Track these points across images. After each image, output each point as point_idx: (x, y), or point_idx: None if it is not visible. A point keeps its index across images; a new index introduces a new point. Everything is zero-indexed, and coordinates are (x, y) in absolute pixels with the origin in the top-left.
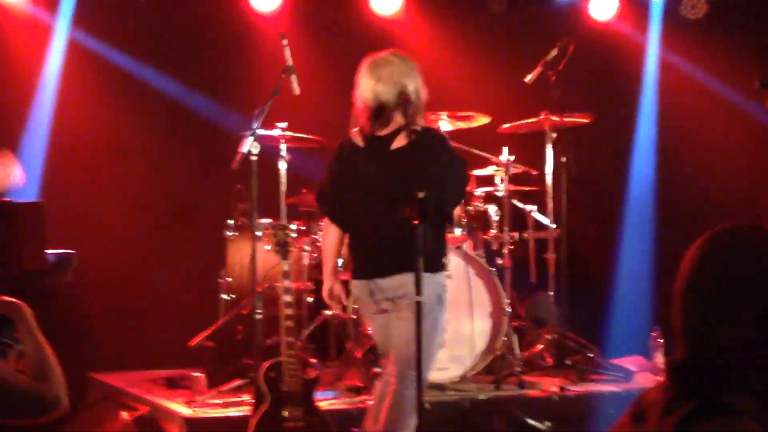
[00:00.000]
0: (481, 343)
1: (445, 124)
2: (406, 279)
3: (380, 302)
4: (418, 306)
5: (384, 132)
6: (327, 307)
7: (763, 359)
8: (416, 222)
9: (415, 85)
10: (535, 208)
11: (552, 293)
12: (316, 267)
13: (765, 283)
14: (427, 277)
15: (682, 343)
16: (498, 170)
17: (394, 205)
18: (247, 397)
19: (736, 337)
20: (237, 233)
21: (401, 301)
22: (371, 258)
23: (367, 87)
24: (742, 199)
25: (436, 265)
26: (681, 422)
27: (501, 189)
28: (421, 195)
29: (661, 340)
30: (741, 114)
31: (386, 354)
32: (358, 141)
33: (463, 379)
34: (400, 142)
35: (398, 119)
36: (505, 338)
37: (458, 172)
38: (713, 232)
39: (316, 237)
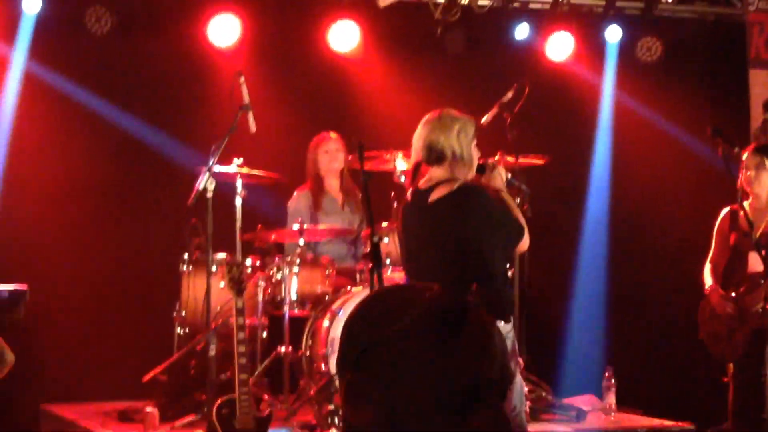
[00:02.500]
0: None
1: (400, 163)
2: None
3: None
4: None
5: (425, 185)
6: (281, 343)
7: None
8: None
9: (450, 142)
10: None
11: None
12: (271, 303)
13: None
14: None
15: None
16: None
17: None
18: None
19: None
20: (192, 268)
21: None
22: None
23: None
24: (693, 239)
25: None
26: None
27: None
28: (375, 239)
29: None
30: (693, 157)
31: None
32: (408, 195)
33: None
34: (436, 194)
35: (437, 173)
36: None
37: (500, 230)
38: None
39: (271, 273)
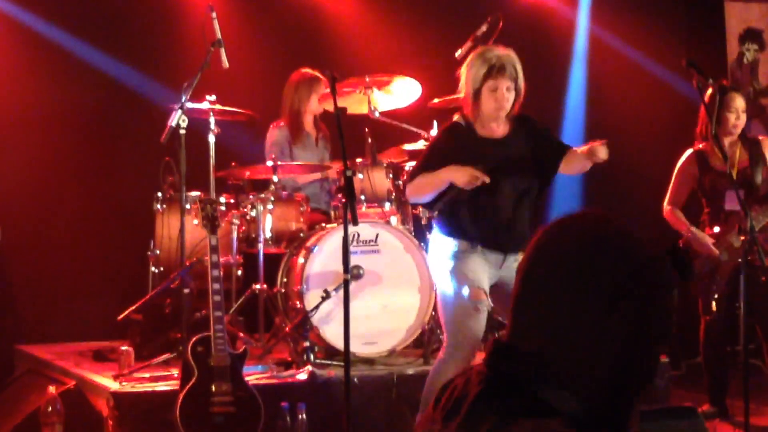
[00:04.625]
0: (409, 317)
1: (375, 97)
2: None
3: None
4: None
5: None
6: (256, 281)
7: (580, 353)
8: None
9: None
10: None
11: None
12: (246, 240)
13: (588, 274)
14: None
15: (510, 325)
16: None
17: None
18: (175, 372)
19: (556, 328)
20: (165, 206)
21: None
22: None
23: None
24: (667, 171)
25: None
26: (495, 423)
27: None
28: (348, 173)
29: None
30: (668, 89)
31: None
32: None
33: (392, 353)
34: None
35: None
36: (434, 312)
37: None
38: (552, 220)
39: (245, 210)
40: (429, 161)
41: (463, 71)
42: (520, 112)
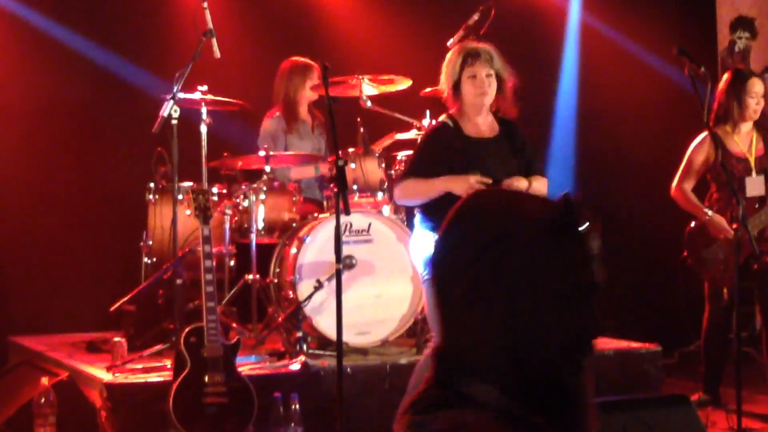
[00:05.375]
0: (402, 307)
1: (367, 87)
2: None
3: None
4: None
5: None
6: (249, 271)
7: (474, 336)
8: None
9: None
10: None
11: None
12: (238, 230)
13: (452, 246)
14: None
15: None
16: (420, 134)
17: None
18: (168, 363)
19: (469, 318)
20: (158, 197)
21: None
22: None
23: None
24: (659, 159)
25: None
26: (414, 416)
27: None
28: (340, 163)
29: None
30: (660, 77)
31: None
32: None
33: (385, 343)
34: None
35: None
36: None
37: None
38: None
39: (238, 200)
40: (419, 165)
41: (442, 71)
42: (508, 114)
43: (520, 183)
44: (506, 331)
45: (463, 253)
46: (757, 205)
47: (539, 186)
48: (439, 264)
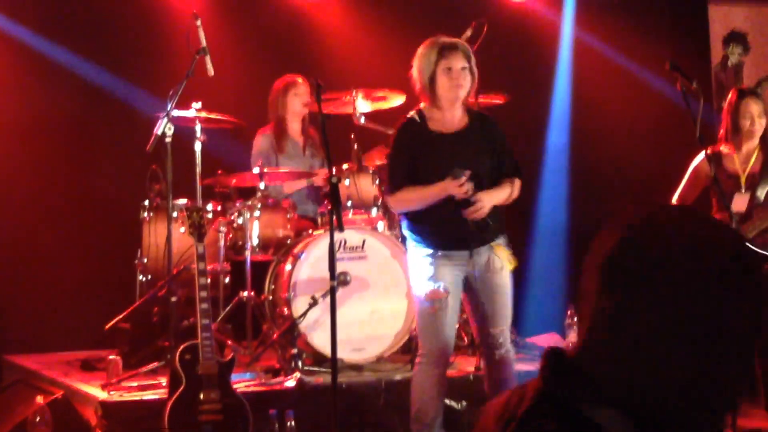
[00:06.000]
0: (397, 323)
1: (361, 103)
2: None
3: None
4: None
5: None
6: (244, 288)
7: (662, 373)
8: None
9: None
10: None
11: None
12: (233, 248)
13: (681, 285)
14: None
15: (581, 340)
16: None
17: None
18: (163, 380)
19: (656, 356)
20: (152, 214)
21: None
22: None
23: None
24: (652, 174)
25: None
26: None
27: None
28: (334, 180)
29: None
30: (652, 93)
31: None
32: None
33: (380, 359)
34: None
35: None
36: None
37: None
38: (630, 218)
39: (232, 218)
40: (399, 174)
41: (414, 65)
42: (481, 109)
43: (482, 208)
44: (679, 366)
45: (665, 279)
46: (745, 219)
47: (501, 195)
48: (625, 272)
